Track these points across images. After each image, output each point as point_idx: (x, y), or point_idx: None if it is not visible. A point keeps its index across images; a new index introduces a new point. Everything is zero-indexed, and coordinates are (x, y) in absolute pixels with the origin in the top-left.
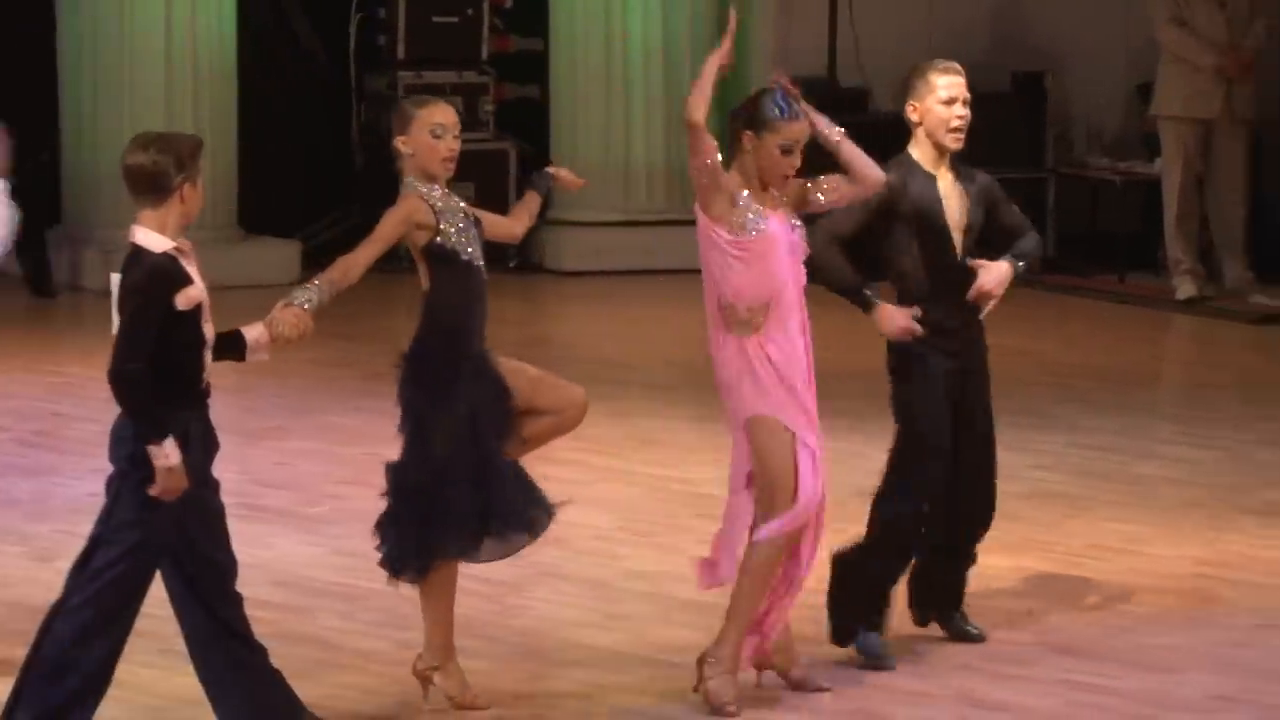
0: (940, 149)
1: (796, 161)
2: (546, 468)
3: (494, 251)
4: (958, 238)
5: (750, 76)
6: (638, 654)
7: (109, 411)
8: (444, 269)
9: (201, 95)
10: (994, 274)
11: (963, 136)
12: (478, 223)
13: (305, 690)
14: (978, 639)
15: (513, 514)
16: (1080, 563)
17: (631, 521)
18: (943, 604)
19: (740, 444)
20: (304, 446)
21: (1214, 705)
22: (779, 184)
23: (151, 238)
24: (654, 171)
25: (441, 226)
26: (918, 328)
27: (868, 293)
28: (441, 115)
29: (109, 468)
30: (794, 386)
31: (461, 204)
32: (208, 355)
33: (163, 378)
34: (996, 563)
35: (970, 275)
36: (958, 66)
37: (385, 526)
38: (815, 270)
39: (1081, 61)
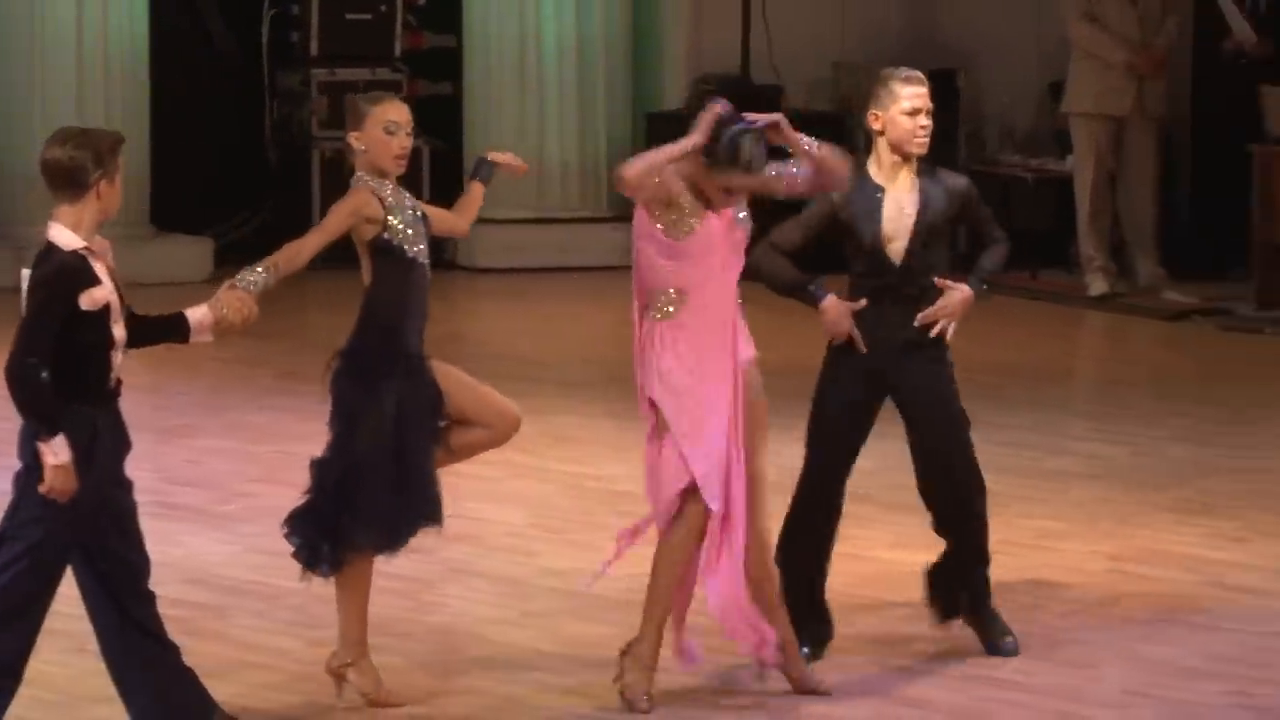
0: (905, 157)
1: (739, 201)
2: (461, 464)
3: None
4: (895, 248)
5: (664, 75)
6: (553, 651)
7: None
8: (388, 265)
9: (113, 92)
10: (953, 299)
11: (928, 143)
12: (425, 220)
13: (218, 689)
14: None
15: (427, 512)
16: (994, 559)
17: (545, 518)
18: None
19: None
20: (215, 445)
21: (1127, 700)
22: (714, 208)
23: (64, 235)
24: (568, 169)
25: (390, 221)
26: (855, 333)
27: (812, 288)
28: (395, 113)
29: (19, 464)
30: (699, 381)
31: (410, 200)
32: (116, 356)
33: (66, 377)
34: (910, 559)
35: (910, 284)
36: (921, 75)
37: (298, 518)
38: (758, 276)
39: (994, 59)
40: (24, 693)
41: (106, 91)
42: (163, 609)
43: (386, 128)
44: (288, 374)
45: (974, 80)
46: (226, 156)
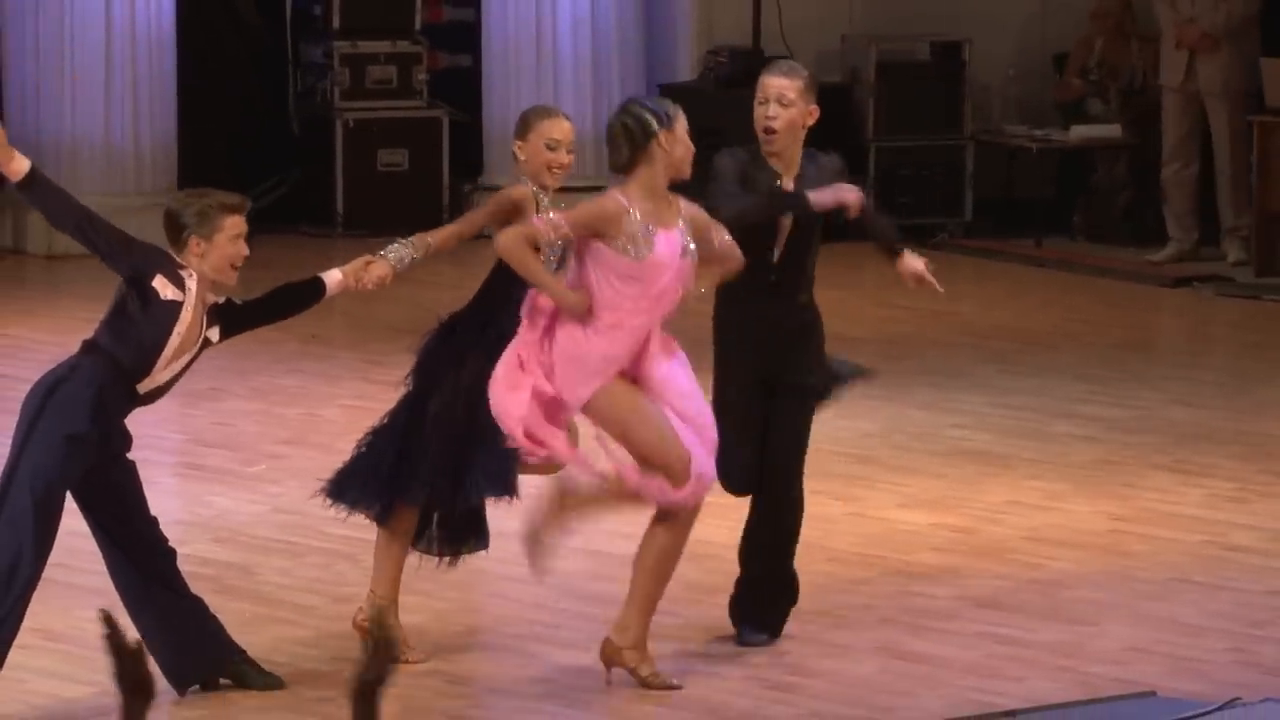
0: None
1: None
2: None
3: (429, 216)
4: None
5: (677, 47)
6: (573, 609)
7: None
8: None
9: (140, 62)
10: None
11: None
12: (563, 250)
13: (245, 643)
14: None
15: (495, 473)
16: (999, 519)
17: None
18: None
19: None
20: (243, 407)
21: (1129, 657)
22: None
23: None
24: (582, 139)
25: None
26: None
27: (778, 189)
28: (559, 131)
29: None
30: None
31: None
32: (161, 367)
33: (115, 340)
34: (918, 519)
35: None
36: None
37: (353, 471)
38: (740, 220)
39: (1000, 31)
40: (56, 648)
41: (134, 60)
42: (192, 566)
43: (548, 143)
44: (313, 338)
45: (980, 51)
46: (252, 127)
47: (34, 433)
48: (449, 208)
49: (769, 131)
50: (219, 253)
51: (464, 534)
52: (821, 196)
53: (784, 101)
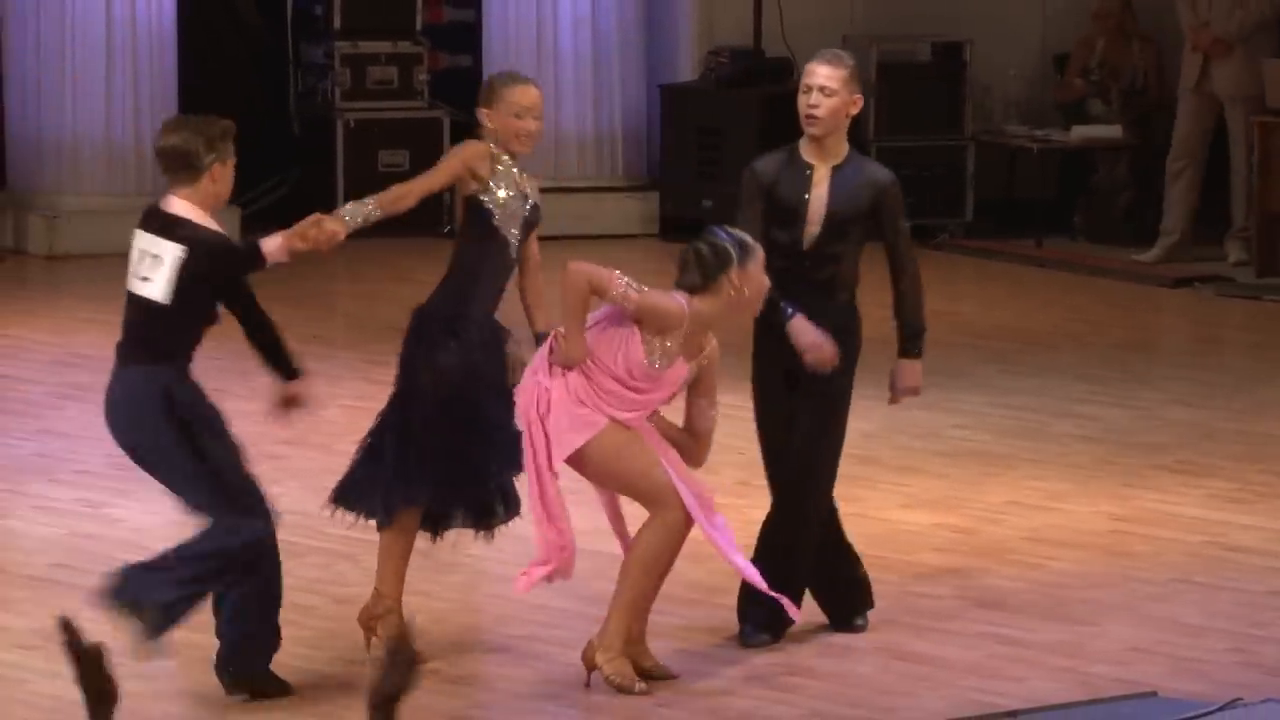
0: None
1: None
2: None
3: (430, 216)
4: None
5: (678, 48)
6: (573, 609)
7: (53, 374)
8: (475, 226)
9: (141, 64)
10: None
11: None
12: (533, 209)
13: None
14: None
15: (512, 454)
16: (1000, 519)
17: (562, 479)
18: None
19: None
20: (244, 408)
21: (1130, 657)
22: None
23: (196, 213)
24: (584, 139)
25: (491, 186)
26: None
27: (784, 304)
28: (526, 98)
29: (55, 428)
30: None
31: (529, 189)
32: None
33: (178, 339)
34: (919, 519)
35: None
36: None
37: (352, 478)
38: None
39: (1000, 32)
40: (57, 648)
41: (135, 63)
42: None
43: (516, 111)
44: (314, 339)
45: (980, 52)
46: (252, 127)
47: (198, 445)
48: (449, 208)
49: (810, 118)
50: (229, 176)
51: (492, 507)
52: (804, 335)
53: (827, 91)
